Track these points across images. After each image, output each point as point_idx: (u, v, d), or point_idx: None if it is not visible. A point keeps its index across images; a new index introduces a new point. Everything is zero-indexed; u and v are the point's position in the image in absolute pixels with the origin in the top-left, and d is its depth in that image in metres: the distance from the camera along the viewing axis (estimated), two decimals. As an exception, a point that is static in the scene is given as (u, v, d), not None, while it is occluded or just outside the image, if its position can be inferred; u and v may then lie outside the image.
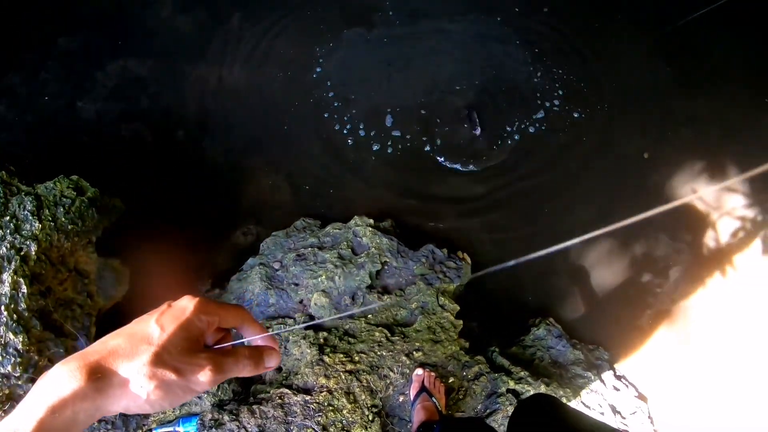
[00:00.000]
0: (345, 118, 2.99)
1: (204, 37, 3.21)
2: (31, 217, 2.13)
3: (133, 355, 0.54)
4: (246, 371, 0.61)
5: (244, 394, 2.21)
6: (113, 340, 0.56)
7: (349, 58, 3.19)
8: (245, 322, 0.65)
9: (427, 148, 2.94)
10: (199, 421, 1.99)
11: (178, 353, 0.55)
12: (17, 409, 0.50)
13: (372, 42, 3.24)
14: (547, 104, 3.11)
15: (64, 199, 2.30)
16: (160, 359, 0.54)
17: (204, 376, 0.56)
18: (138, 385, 0.53)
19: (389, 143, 2.93)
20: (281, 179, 2.85)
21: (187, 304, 0.60)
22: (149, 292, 2.47)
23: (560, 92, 3.14)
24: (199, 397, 2.09)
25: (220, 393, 2.13)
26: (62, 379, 0.50)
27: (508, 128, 3.02)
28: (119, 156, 2.84)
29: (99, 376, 0.51)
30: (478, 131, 2.98)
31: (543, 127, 3.03)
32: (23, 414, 0.49)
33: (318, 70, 3.13)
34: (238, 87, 3.06)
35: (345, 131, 2.96)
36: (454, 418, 1.87)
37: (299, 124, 2.98)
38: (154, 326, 0.57)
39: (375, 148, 2.92)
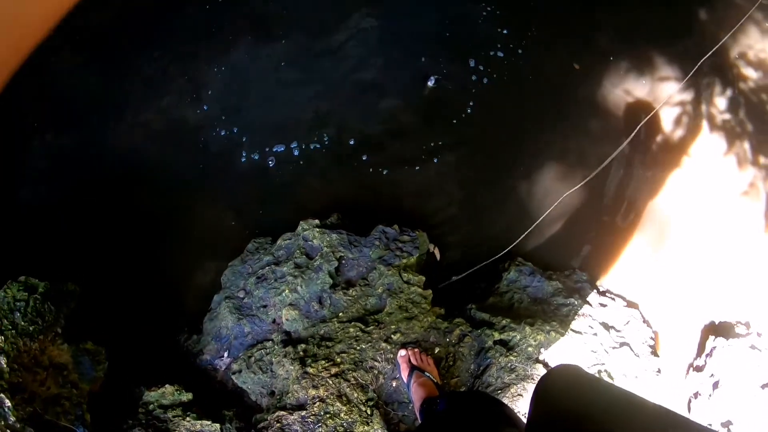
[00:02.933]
0: (256, 137, 2.93)
1: (115, 92, 3.12)
2: (-8, 333, 2.09)
3: None
4: None
5: (246, 428, 2.18)
6: None
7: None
8: None
9: (352, 142, 2.89)
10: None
11: None
12: None
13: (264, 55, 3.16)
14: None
15: (18, 303, 2.25)
16: None
17: None
18: None
19: (313, 146, 2.87)
20: (221, 210, 2.80)
21: None
22: (131, 359, 2.44)
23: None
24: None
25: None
26: None
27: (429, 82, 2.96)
28: (59, 235, 2.78)
29: None
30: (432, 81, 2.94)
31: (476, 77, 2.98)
32: None
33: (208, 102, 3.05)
34: (153, 134, 2.99)
35: (266, 150, 2.89)
36: (456, 393, 1.83)
37: (215, 157, 2.92)
38: None
39: (296, 153, 2.87)
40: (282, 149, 2.85)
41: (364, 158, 2.81)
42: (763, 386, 2.11)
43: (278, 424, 2.04)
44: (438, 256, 2.54)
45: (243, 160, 2.85)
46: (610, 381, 0.85)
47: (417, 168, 2.78)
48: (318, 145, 2.86)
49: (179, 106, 3.02)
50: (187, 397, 2.17)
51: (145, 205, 2.83)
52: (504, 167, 2.79)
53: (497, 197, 2.73)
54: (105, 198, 2.85)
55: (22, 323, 2.18)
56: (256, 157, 2.84)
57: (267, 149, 2.86)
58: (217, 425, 2.05)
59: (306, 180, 2.82)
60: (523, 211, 2.65)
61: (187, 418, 2.06)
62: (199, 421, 2.05)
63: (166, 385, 2.18)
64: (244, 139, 2.90)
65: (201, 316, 2.56)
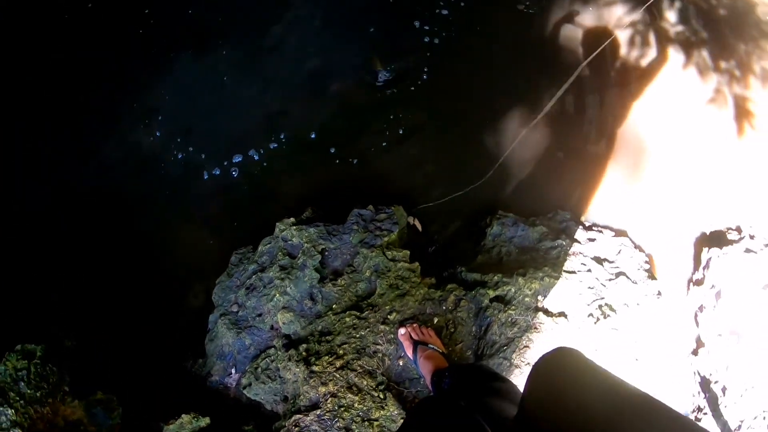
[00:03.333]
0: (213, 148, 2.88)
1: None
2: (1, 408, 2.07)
3: None
4: None
5: None
6: None
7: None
8: None
9: (313, 135, 2.84)
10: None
11: None
12: None
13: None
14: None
15: (20, 373, 2.22)
16: None
17: None
18: None
19: (272, 146, 2.84)
20: (197, 231, 2.77)
21: None
22: (143, 397, 2.42)
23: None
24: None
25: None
26: None
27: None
28: (38, 286, 2.73)
29: None
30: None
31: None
32: None
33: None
34: (114, 170, 2.94)
35: (225, 163, 2.85)
36: (461, 368, 1.81)
37: (178, 181, 2.87)
38: None
39: (256, 158, 2.83)
40: (240, 159, 2.82)
41: (330, 149, 2.78)
42: (765, 287, 2.10)
43: (296, 428, 2.03)
44: (419, 227, 2.51)
45: (206, 177, 2.81)
46: (605, 368, 0.84)
47: (384, 144, 2.74)
48: (276, 145, 2.82)
49: (133, 136, 2.97)
50: (204, 422, 2.14)
51: (121, 243, 2.79)
52: (469, 123, 2.75)
53: (468, 153, 2.70)
54: (78, 242, 2.81)
55: (29, 391, 2.16)
56: (218, 173, 2.81)
57: (226, 162, 2.82)
58: (239, 443, 2.04)
59: (273, 182, 2.79)
60: (495, 159, 2.61)
61: (209, 443, 2.05)
62: (220, 443, 2.04)
63: (183, 415, 2.15)
64: (202, 156, 2.85)
65: (201, 338, 2.54)
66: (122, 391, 2.47)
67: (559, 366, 0.90)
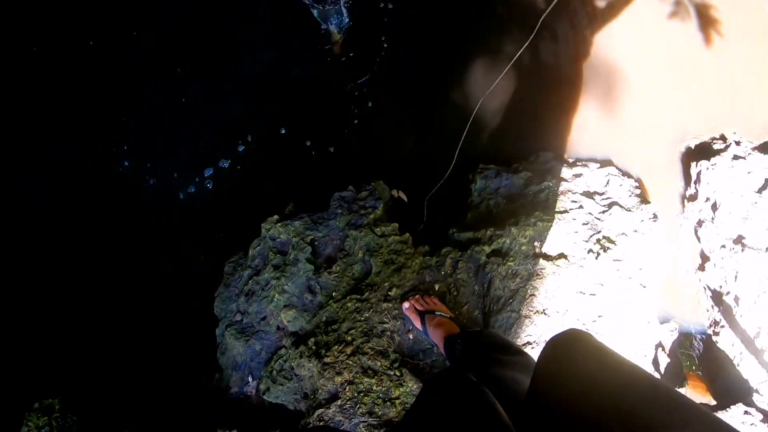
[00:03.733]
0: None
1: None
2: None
3: None
4: None
5: None
6: None
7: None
8: None
9: (283, 131, 2.80)
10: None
11: None
12: None
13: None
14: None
15: (43, 431, 2.20)
16: None
17: None
18: None
19: (241, 149, 2.79)
20: (185, 250, 2.76)
21: None
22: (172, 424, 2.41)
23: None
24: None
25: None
26: None
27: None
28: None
29: None
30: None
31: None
32: None
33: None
34: (90, 206, 2.92)
35: (196, 179, 2.82)
36: (473, 332, 1.79)
37: (156, 204, 2.86)
38: None
39: (226, 165, 2.80)
40: (211, 171, 2.79)
41: (306, 142, 2.74)
42: (760, 190, 2.06)
43: (321, 423, 2.01)
44: (405, 198, 2.47)
45: (181, 197, 2.78)
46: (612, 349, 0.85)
47: (356, 122, 2.69)
48: (243, 147, 2.78)
49: (102, 169, 2.93)
50: (232, 436, 2.14)
51: (113, 277, 2.77)
52: (437, 82, 2.69)
53: (443, 117, 2.65)
54: (73, 282, 2.79)
55: None
56: (192, 189, 2.79)
57: (197, 178, 2.80)
58: (270, 448, 2.02)
59: (250, 185, 2.76)
60: (468, 113, 2.56)
61: (241, 455, 2.03)
62: (251, 453, 2.02)
63: (211, 434, 2.14)
64: (175, 175, 2.81)
65: (213, 354, 2.52)
66: (147, 423, 2.46)
67: (571, 345, 0.92)
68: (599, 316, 1.94)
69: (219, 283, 2.54)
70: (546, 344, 0.94)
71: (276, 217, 2.38)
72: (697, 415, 0.67)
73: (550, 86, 2.54)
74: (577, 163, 2.30)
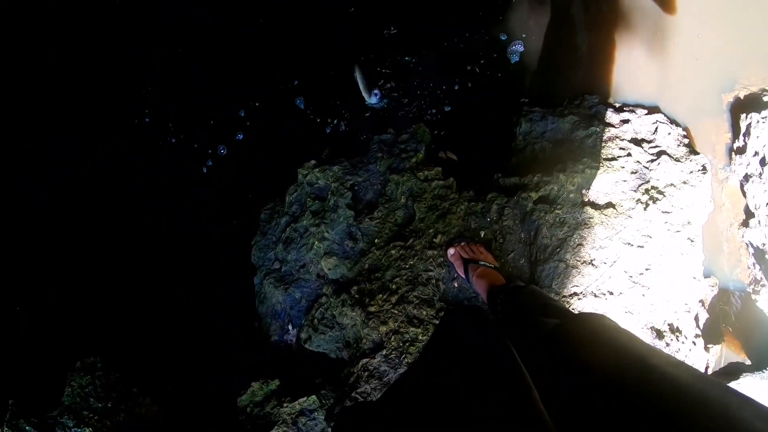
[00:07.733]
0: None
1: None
2: (78, 429, 2.10)
3: None
4: None
5: (338, 392, 2.13)
6: None
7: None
8: None
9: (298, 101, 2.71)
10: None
11: None
12: None
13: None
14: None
15: (87, 389, 2.22)
16: None
17: None
18: None
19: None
20: (215, 201, 2.72)
21: None
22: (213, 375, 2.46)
23: None
24: None
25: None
26: None
27: None
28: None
29: None
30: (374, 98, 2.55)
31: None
32: None
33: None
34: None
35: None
36: (512, 287, 1.77)
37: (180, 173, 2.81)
38: None
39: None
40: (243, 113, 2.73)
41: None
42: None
43: (366, 373, 2.01)
44: (455, 157, 2.40)
45: (210, 155, 2.75)
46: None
47: (382, 69, 2.59)
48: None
49: (102, 169, 2.90)
50: (274, 385, 2.15)
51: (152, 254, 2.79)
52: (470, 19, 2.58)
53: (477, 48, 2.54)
54: (85, 240, 2.81)
55: (99, 405, 2.18)
56: (224, 151, 2.73)
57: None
58: (313, 397, 2.03)
59: (275, 143, 2.70)
60: (520, 71, 2.47)
61: (284, 405, 2.05)
62: (295, 402, 2.03)
63: (252, 384, 2.15)
64: (198, 141, 2.77)
65: (252, 304, 2.52)
66: (189, 375, 2.49)
67: (599, 318, 0.98)
68: (646, 269, 1.92)
69: (254, 230, 2.52)
70: (574, 320, 1.00)
71: (313, 162, 2.33)
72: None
73: (596, 26, 2.43)
74: (624, 109, 2.22)
